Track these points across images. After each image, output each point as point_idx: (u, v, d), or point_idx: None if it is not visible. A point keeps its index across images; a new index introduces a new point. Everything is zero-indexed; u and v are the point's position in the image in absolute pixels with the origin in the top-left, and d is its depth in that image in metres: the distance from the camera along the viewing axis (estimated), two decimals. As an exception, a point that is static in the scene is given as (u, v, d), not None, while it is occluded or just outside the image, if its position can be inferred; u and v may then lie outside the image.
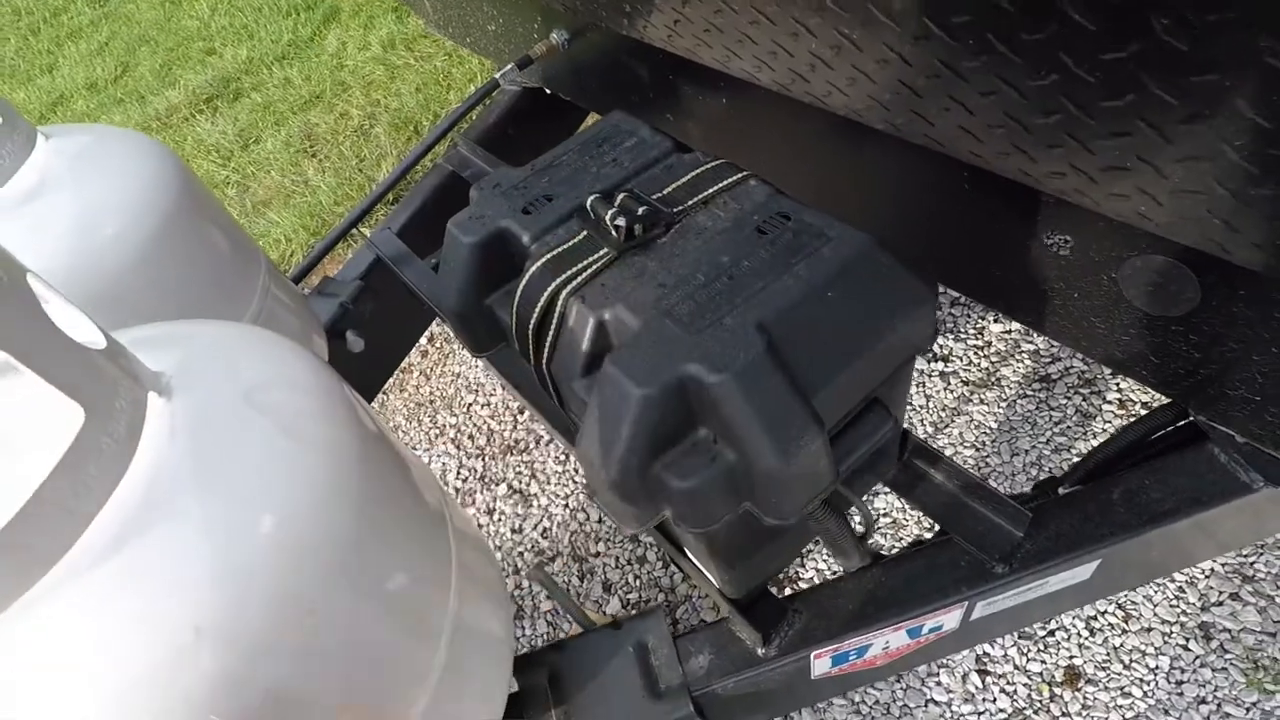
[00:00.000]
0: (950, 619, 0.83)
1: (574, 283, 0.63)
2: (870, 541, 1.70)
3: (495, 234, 0.70)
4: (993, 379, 1.87)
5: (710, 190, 0.68)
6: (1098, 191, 0.64)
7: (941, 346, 1.97)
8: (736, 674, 0.80)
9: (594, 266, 0.64)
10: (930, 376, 1.92)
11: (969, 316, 2.02)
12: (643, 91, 1.32)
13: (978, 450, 1.77)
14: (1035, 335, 1.93)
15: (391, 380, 2.47)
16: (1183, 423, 0.89)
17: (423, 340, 2.55)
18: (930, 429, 1.83)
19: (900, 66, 0.64)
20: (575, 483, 2.04)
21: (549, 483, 2.04)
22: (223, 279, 0.90)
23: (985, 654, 1.45)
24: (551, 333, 0.64)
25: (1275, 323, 0.71)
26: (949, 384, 1.90)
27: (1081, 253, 0.84)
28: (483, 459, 2.16)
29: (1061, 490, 0.88)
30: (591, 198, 0.66)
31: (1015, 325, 1.95)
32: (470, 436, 2.22)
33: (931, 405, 1.88)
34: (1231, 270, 0.70)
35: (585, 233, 0.67)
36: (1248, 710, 1.25)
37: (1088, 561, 0.82)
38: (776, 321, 0.55)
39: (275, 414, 0.51)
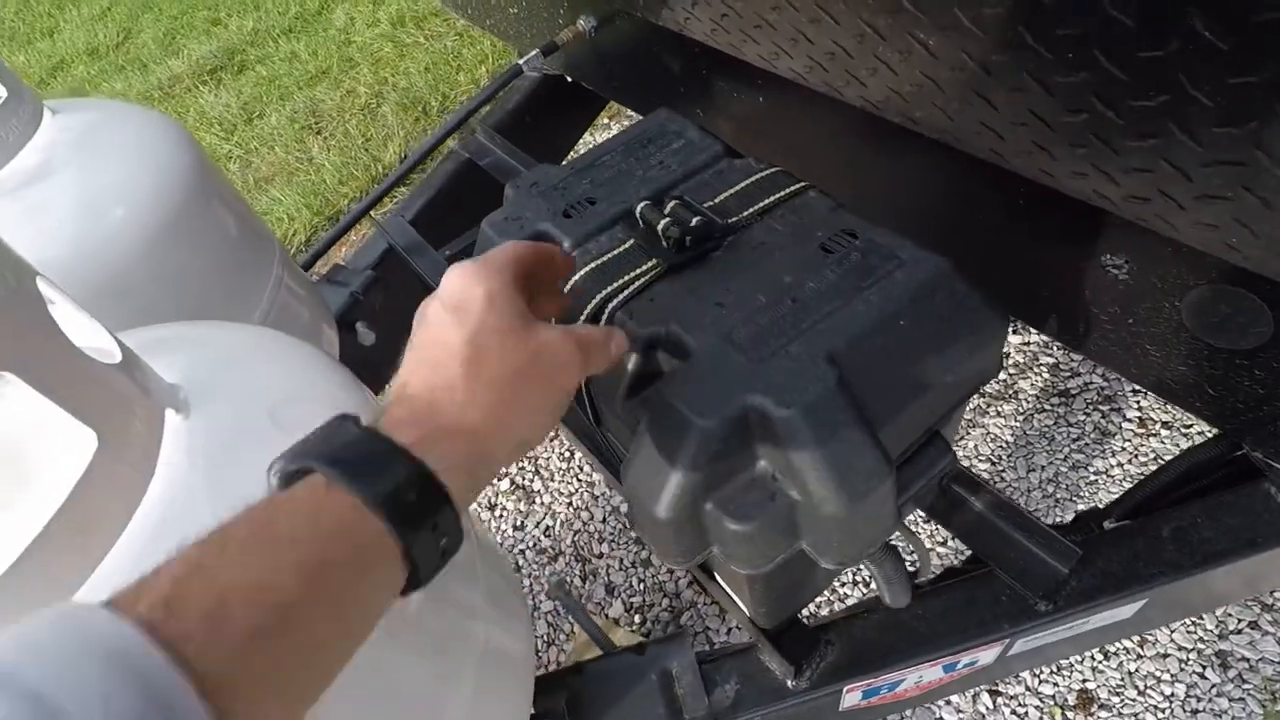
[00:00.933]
0: (988, 655, 0.80)
1: (621, 295, 0.59)
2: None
3: (533, 238, 0.66)
4: (1010, 391, 1.84)
5: (766, 201, 0.64)
6: (1183, 219, 0.60)
7: (957, 355, 1.93)
8: (764, 706, 0.77)
9: (643, 279, 0.59)
10: (946, 386, 1.88)
11: (986, 326, 1.98)
12: (673, 85, 1.27)
13: (993, 464, 1.73)
14: (1054, 348, 1.89)
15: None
16: (1234, 456, 0.86)
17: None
18: (944, 440, 1.80)
19: (978, 76, 0.60)
20: (580, 480, 2.00)
21: (553, 479, 2.00)
22: (236, 269, 0.85)
23: (997, 674, 1.42)
24: (594, 349, 0.60)
25: (1353, 362, 0.67)
26: (965, 394, 1.86)
27: (1142, 278, 0.80)
28: (485, 452, 2.12)
29: (1107, 524, 0.84)
30: (641, 204, 0.62)
31: (1034, 336, 1.92)
32: (472, 428, 2.18)
33: (946, 415, 1.84)
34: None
35: (632, 241, 0.62)
36: (1267, 745, 1.23)
37: (1135, 601, 0.78)
38: (847, 351, 0.51)
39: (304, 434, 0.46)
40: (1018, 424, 1.78)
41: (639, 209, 0.62)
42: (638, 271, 0.60)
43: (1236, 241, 0.58)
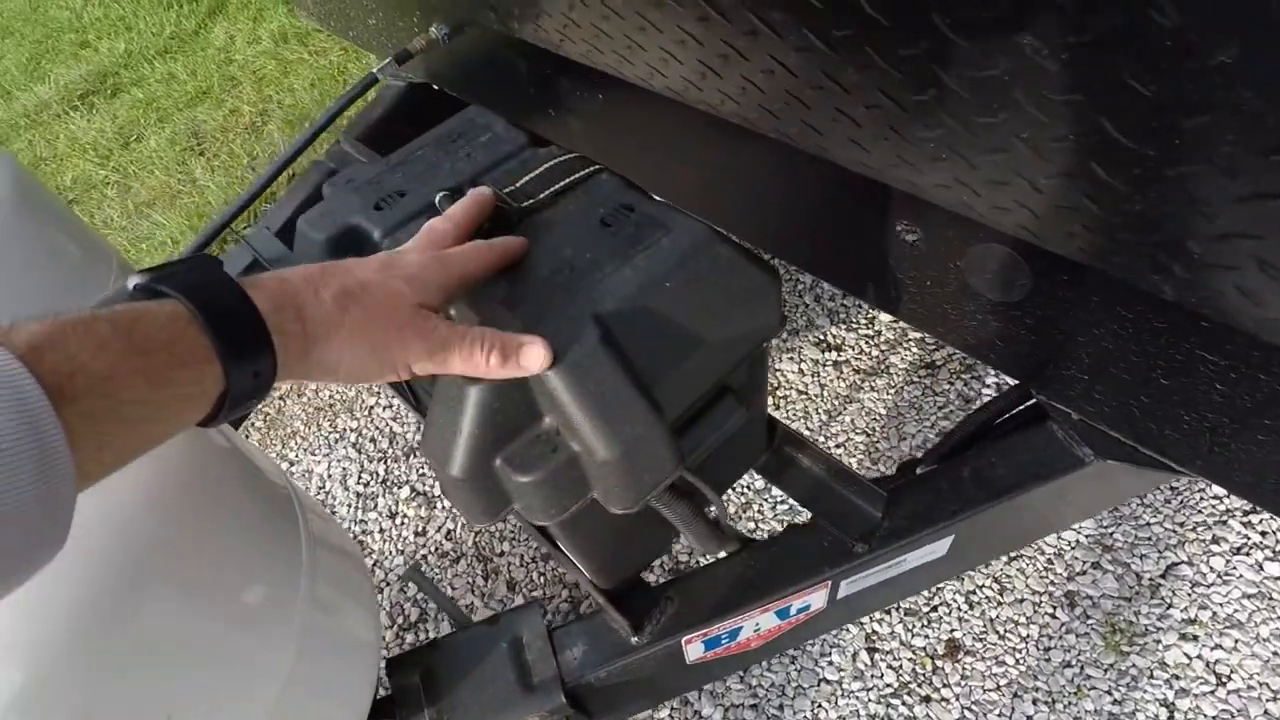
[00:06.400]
0: (816, 599, 0.86)
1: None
2: (755, 530, 1.72)
3: (345, 231, 0.69)
4: (882, 367, 1.94)
5: (561, 184, 0.68)
6: (926, 181, 0.67)
7: (835, 336, 2.03)
8: (609, 663, 0.81)
9: (442, 262, 0.63)
10: (824, 366, 1.98)
11: (860, 307, 2.10)
12: (523, 87, 1.31)
13: (868, 436, 1.83)
14: (921, 324, 2.01)
15: (288, 386, 2.39)
16: (1029, 404, 0.95)
17: (321, 344, 2.47)
18: (825, 416, 1.89)
19: (788, 79, 0.64)
20: (479, 484, 2.01)
21: (452, 485, 2.01)
22: (65, 283, 0.85)
23: (874, 632, 1.51)
24: (399, 330, 0.63)
25: (1093, 306, 0.76)
26: (841, 373, 1.96)
27: (929, 242, 0.88)
28: (385, 462, 2.12)
29: (919, 470, 0.92)
30: (440, 195, 0.66)
31: (903, 315, 2.03)
32: (372, 439, 2.17)
33: (826, 394, 1.94)
34: (1056, 258, 0.74)
35: (435, 229, 0.66)
36: (1105, 671, 1.34)
37: (942, 537, 0.86)
38: (614, 313, 0.56)
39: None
40: (889, 397, 1.89)
41: (438, 199, 0.65)
42: (438, 256, 0.63)
43: (967, 199, 0.65)
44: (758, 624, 0.86)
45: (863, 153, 0.69)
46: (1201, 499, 1.49)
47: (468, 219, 0.62)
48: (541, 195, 0.68)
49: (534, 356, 0.53)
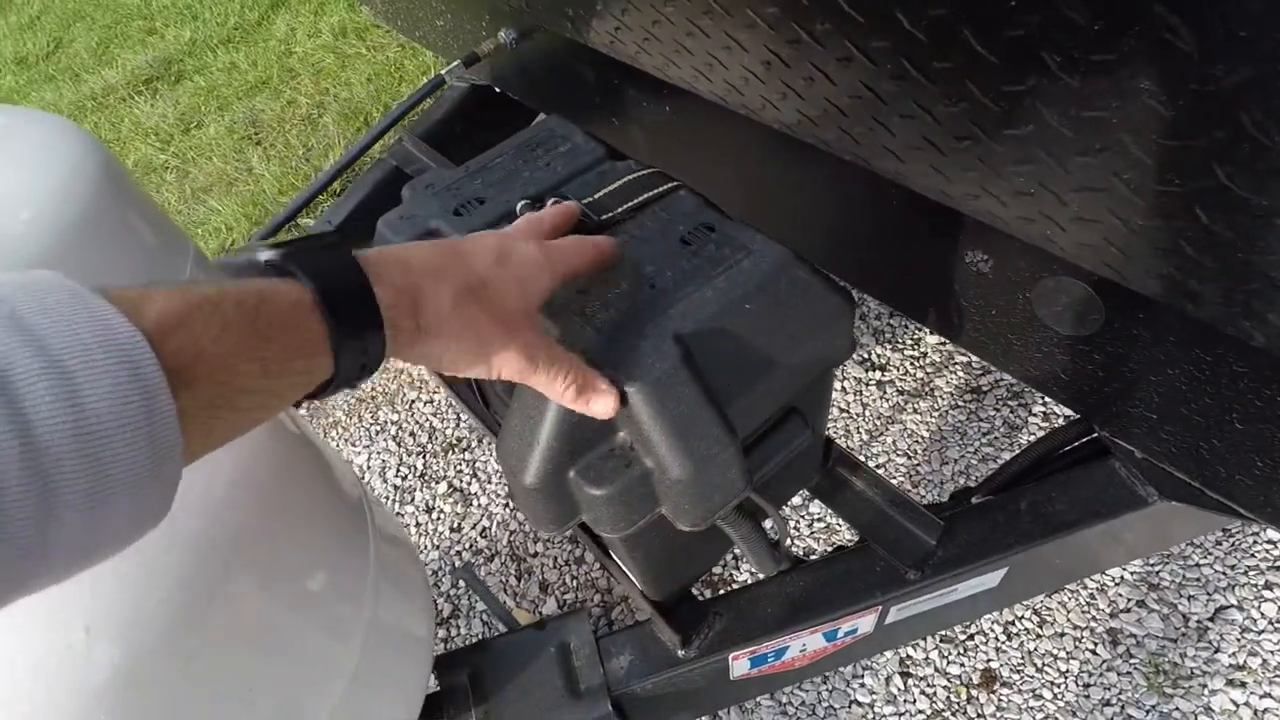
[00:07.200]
0: (865, 623, 0.86)
1: (500, 287, 0.63)
2: (790, 545, 1.72)
3: (424, 235, 0.70)
4: (927, 389, 1.93)
5: (640, 198, 0.69)
6: (1008, 214, 0.67)
7: (879, 356, 2.02)
8: (655, 675, 0.81)
9: (521, 271, 0.64)
10: (868, 385, 1.97)
11: (906, 327, 2.08)
12: (589, 95, 1.32)
13: (910, 458, 1.82)
14: (967, 347, 1.98)
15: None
16: (1089, 438, 0.93)
17: (364, 336, 2.51)
18: (866, 436, 1.88)
19: (875, 104, 0.64)
20: (516, 482, 2.02)
21: (490, 481, 2.03)
22: (146, 272, 0.87)
23: (908, 656, 1.49)
24: (476, 335, 0.64)
25: (1169, 346, 0.75)
26: (885, 393, 1.95)
27: (999, 272, 0.87)
28: (424, 456, 2.14)
29: (975, 500, 0.91)
30: (520, 203, 0.67)
31: (950, 337, 2.01)
32: (411, 434, 2.20)
33: (868, 413, 1.92)
34: (1132, 295, 0.73)
35: (515, 237, 0.67)
36: (1148, 712, 1.31)
37: (996, 569, 0.85)
38: (694, 334, 0.57)
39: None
40: (933, 419, 1.87)
41: (518, 207, 0.66)
42: (517, 264, 0.64)
43: (1051, 234, 0.65)
44: (804, 644, 0.86)
45: (944, 181, 0.69)
46: (1255, 543, 1.45)
47: (554, 229, 0.62)
48: (619, 210, 0.68)
49: (603, 405, 0.54)
